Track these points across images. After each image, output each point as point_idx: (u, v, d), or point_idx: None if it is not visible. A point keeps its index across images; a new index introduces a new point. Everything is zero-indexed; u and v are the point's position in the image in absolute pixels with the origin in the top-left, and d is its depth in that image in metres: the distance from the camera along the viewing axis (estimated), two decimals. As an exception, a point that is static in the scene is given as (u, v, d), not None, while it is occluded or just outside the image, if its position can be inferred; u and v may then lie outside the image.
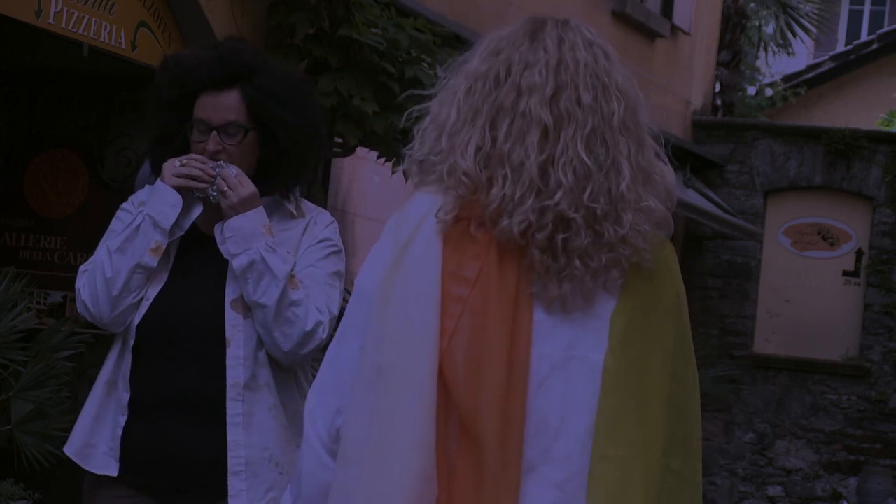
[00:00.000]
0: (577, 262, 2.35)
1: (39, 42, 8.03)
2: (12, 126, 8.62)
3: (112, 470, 3.65)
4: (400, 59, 7.69)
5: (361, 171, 9.62)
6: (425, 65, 7.89)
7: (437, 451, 2.30)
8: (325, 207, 8.39)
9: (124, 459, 3.63)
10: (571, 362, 2.36)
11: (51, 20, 6.63)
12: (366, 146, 7.94)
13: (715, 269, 13.67)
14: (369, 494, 2.30)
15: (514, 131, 2.38)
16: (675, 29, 13.11)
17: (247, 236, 3.55)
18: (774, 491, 13.41)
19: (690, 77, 13.80)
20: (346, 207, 9.28)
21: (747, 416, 13.50)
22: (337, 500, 2.34)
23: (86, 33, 6.85)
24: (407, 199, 2.46)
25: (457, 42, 8.95)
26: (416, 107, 2.54)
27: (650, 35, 12.81)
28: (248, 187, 3.58)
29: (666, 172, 2.50)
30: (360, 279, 2.44)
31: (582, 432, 2.35)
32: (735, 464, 13.50)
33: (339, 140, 7.88)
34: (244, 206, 3.56)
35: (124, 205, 3.80)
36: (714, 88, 14.73)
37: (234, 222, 3.56)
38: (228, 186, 3.56)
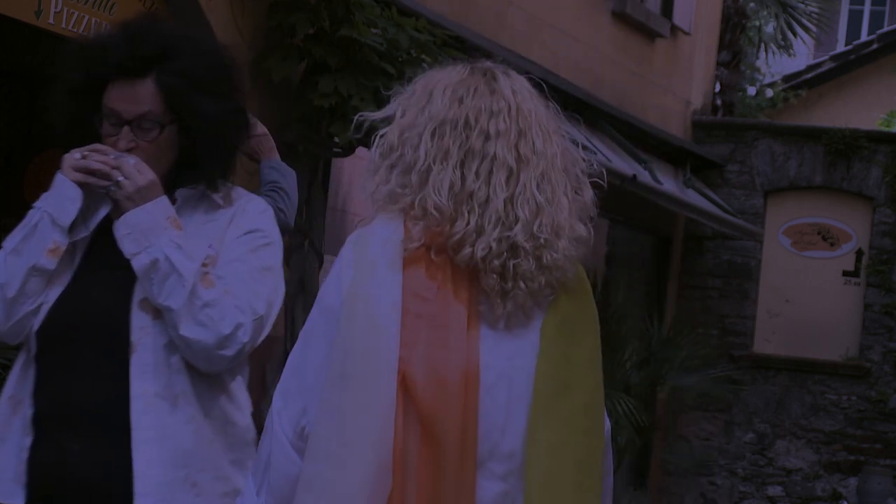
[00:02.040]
0: (522, 284, 2.71)
1: (39, 42, 8.02)
2: (12, 126, 8.62)
3: (18, 498, 3.19)
4: (400, 60, 7.69)
5: (361, 171, 9.60)
6: (425, 65, 7.89)
7: (395, 448, 2.61)
8: (324, 208, 8.41)
9: (31, 486, 3.19)
10: (514, 371, 2.71)
11: (51, 20, 6.63)
12: (365, 146, 7.94)
13: (715, 269, 13.66)
14: (336, 483, 2.59)
15: (482, 172, 2.72)
16: (675, 29, 13.10)
17: (146, 232, 3.13)
18: (774, 491, 13.41)
19: (690, 77, 13.80)
20: (346, 207, 9.27)
21: (747, 416, 13.49)
22: (306, 490, 2.62)
23: (86, 33, 6.85)
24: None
25: (457, 42, 8.95)
26: (363, 114, 2.88)
27: (650, 35, 12.80)
28: (146, 175, 3.16)
29: (585, 189, 2.88)
30: (326, 295, 2.71)
31: (523, 432, 2.71)
32: (735, 464, 13.50)
33: (339, 140, 7.88)
34: (142, 195, 3.15)
35: (37, 202, 3.38)
36: (714, 88, 14.72)
37: (131, 217, 3.14)
38: (124, 175, 3.15)
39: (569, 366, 2.78)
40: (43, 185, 9.26)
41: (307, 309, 8.03)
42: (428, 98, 2.82)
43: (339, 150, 7.99)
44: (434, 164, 2.72)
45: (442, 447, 2.61)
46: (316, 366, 2.68)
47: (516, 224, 2.70)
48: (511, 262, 2.70)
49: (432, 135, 2.75)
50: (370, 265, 2.68)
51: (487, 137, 2.75)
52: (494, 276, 2.69)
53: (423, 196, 2.70)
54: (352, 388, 2.62)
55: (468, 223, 2.69)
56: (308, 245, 8.00)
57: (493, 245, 2.69)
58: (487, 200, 2.70)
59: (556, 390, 2.74)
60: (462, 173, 2.71)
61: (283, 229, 5.27)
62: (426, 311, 2.66)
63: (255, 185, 5.21)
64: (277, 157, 5.29)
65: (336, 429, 2.61)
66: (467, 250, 2.69)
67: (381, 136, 2.80)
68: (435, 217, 2.68)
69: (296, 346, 2.74)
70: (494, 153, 2.73)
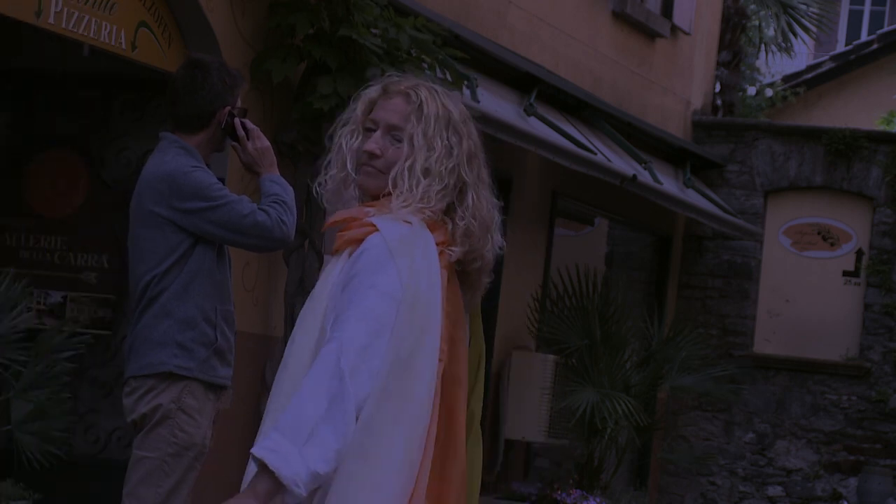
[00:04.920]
0: (484, 281, 3.22)
1: (39, 42, 8.03)
2: (12, 126, 8.62)
3: None
4: (400, 60, 7.69)
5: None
6: (425, 65, 7.89)
7: (429, 428, 3.03)
8: (324, 207, 8.41)
9: None
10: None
11: (51, 20, 6.64)
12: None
13: (715, 269, 13.66)
14: (384, 458, 2.95)
15: (489, 195, 3.19)
16: (675, 29, 13.10)
17: None
18: (774, 491, 13.41)
19: (690, 77, 13.80)
20: (346, 207, 9.27)
21: (747, 416, 13.49)
22: (358, 458, 2.93)
23: (86, 33, 6.86)
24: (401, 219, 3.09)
25: (456, 41, 8.95)
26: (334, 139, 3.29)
27: (650, 35, 12.81)
28: None
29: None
30: (382, 282, 2.99)
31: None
32: (735, 464, 13.49)
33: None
34: None
35: None
36: (714, 88, 14.72)
37: None
38: None
39: (482, 355, 3.35)
40: (43, 185, 9.27)
41: (307, 309, 8.02)
42: (445, 126, 3.15)
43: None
44: (475, 193, 3.15)
45: (458, 427, 3.07)
46: (383, 352, 2.98)
47: (492, 240, 3.19)
48: (484, 267, 3.21)
49: (469, 165, 3.16)
50: (426, 269, 3.04)
51: (483, 166, 3.20)
52: (485, 276, 3.20)
53: (472, 222, 3.13)
54: (404, 374, 2.98)
55: (486, 240, 3.16)
56: (308, 245, 8.00)
57: (496, 252, 3.18)
58: (491, 217, 3.17)
59: (480, 358, 3.31)
60: (484, 199, 3.17)
61: (285, 242, 5.26)
62: (449, 310, 3.08)
63: (256, 199, 5.21)
64: (277, 171, 5.26)
65: (389, 409, 2.96)
66: (479, 262, 3.17)
67: (419, 166, 3.11)
68: (476, 238, 3.13)
69: (356, 320, 2.97)
70: (489, 181, 3.21)
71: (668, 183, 12.35)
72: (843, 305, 13.43)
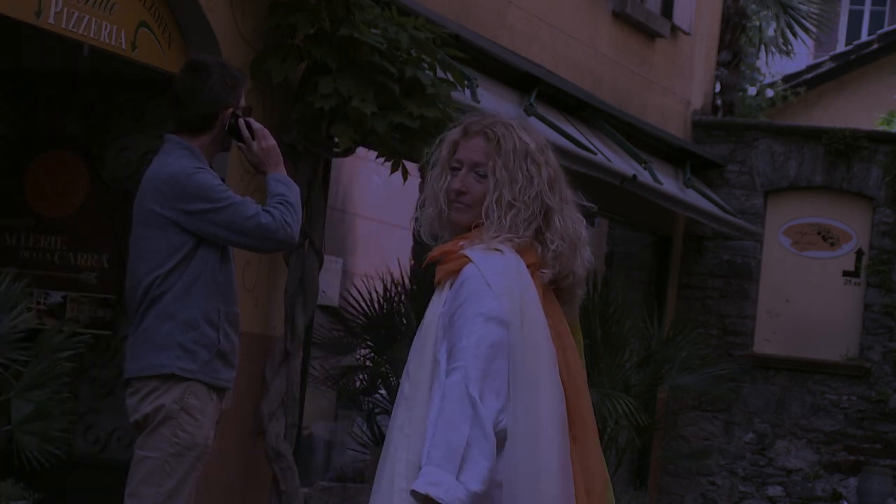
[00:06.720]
0: (578, 294, 3.57)
1: (39, 42, 8.03)
2: (12, 126, 8.62)
3: None
4: (400, 59, 7.69)
5: (361, 171, 9.61)
6: (425, 65, 7.89)
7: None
8: (324, 208, 8.42)
9: None
10: None
11: (51, 20, 6.64)
12: (365, 146, 7.95)
13: (715, 269, 13.66)
14: (534, 464, 3.32)
15: (576, 217, 3.54)
16: (675, 29, 13.10)
17: None
18: (774, 491, 13.41)
19: (690, 77, 13.79)
20: (345, 207, 9.28)
21: (747, 416, 13.49)
22: (525, 478, 3.32)
23: (86, 33, 6.86)
24: (491, 251, 3.42)
25: (457, 41, 8.95)
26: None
27: (650, 35, 12.80)
28: None
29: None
30: (496, 310, 3.35)
31: None
32: (735, 464, 13.49)
33: (339, 140, 7.88)
34: None
35: None
36: (714, 88, 14.72)
37: None
38: None
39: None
40: (43, 185, 9.27)
41: (307, 309, 8.02)
42: (524, 158, 3.49)
43: (339, 150, 7.99)
44: (560, 215, 3.47)
45: (588, 431, 3.43)
46: (502, 371, 3.32)
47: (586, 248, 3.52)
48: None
49: (551, 190, 3.48)
50: (523, 290, 3.38)
51: (563, 183, 3.54)
52: (580, 290, 3.53)
53: (561, 244, 3.45)
54: (531, 391, 3.33)
55: (576, 257, 3.48)
56: (308, 245, 8.00)
57: (585, 267, 3.51)
58: (578, 235, 3.50)
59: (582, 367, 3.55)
60: (570, 219, 3.50)
61: (289, 243, 5.24)
62: (551, 323, 3.41)
63: (262, 199, 5.20)
64: (284, 170, 5.24)
65: (525, 424, 3.32)
66: (571, 278, 3.50)
67: (507, 198, 3.43)
68: (566, 257, 3.46)
69: (473, 347, 3.31)
70: (570, 197, 3.54)
71: (668, 183, 12.35)
72: (843, 305, 13.43)
